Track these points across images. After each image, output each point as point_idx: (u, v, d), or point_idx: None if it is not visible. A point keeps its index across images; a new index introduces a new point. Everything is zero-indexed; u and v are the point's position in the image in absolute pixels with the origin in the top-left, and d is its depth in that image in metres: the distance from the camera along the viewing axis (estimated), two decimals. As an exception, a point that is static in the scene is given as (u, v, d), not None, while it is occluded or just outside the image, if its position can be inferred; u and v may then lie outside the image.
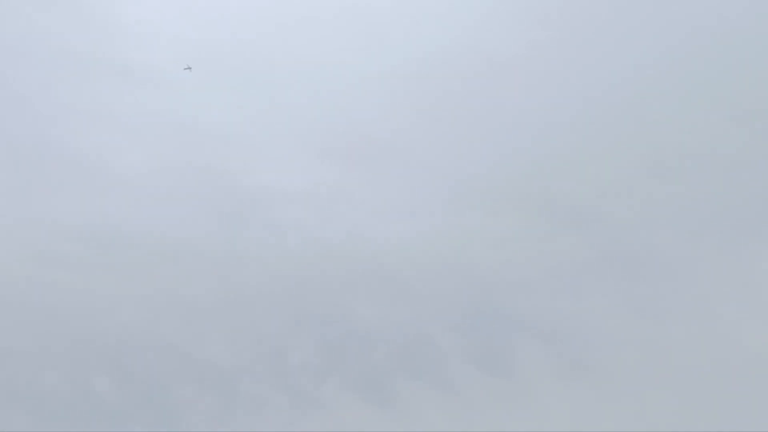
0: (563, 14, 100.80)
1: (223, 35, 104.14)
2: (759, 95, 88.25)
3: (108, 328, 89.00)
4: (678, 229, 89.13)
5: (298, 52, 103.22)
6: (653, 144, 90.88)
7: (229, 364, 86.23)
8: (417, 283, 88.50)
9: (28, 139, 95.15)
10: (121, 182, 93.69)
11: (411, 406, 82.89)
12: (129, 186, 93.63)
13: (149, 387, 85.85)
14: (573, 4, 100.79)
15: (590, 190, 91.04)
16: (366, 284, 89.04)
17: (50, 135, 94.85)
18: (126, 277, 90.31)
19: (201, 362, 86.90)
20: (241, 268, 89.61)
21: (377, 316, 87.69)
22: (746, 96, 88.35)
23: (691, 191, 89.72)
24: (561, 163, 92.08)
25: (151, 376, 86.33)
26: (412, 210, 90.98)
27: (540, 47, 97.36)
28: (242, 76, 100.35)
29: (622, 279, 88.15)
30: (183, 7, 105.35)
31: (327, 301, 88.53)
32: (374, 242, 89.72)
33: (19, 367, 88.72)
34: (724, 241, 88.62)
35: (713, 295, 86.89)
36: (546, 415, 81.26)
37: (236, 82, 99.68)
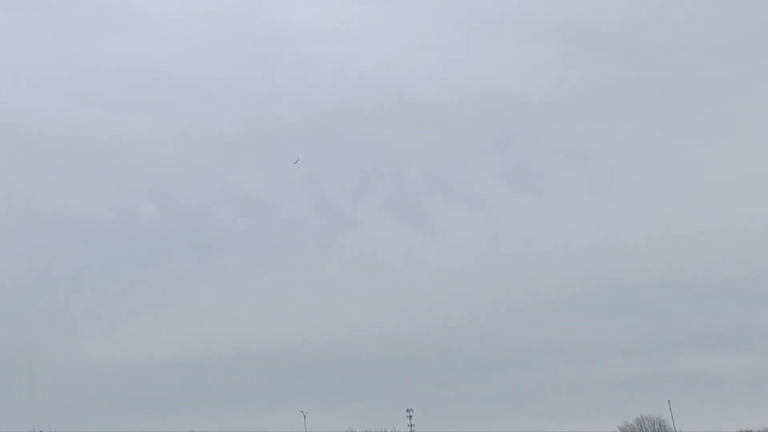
0: None
1: None
2: None
3: (148, 161, 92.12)
4: (708, 52, 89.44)
5: None
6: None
7: (266, 190, 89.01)
8: (448, 110, 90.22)
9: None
10: (157, 25, 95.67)
11: (443, 223, 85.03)
12: (164, 28, 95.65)
13: (190, 213, 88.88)
14: None
15: (619, 16, 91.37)
16: (397, 113, 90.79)
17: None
18: (163, 115, 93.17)
19: (239, 189, 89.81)
20: (274, 101, 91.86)
21: (408, 141, 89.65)
22: None
23: (721, 14, 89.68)
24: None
25: (191, 203, 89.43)
26: (441, 42, 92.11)
27: None
28: None
29: (652, 100, 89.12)
30: None
31: (359, 129, 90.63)
32: (405, 73, 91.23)
33: (66, 199, 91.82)
34: (753, 62, 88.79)
35: (742, 115, 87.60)
36: (574, 228, 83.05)
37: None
